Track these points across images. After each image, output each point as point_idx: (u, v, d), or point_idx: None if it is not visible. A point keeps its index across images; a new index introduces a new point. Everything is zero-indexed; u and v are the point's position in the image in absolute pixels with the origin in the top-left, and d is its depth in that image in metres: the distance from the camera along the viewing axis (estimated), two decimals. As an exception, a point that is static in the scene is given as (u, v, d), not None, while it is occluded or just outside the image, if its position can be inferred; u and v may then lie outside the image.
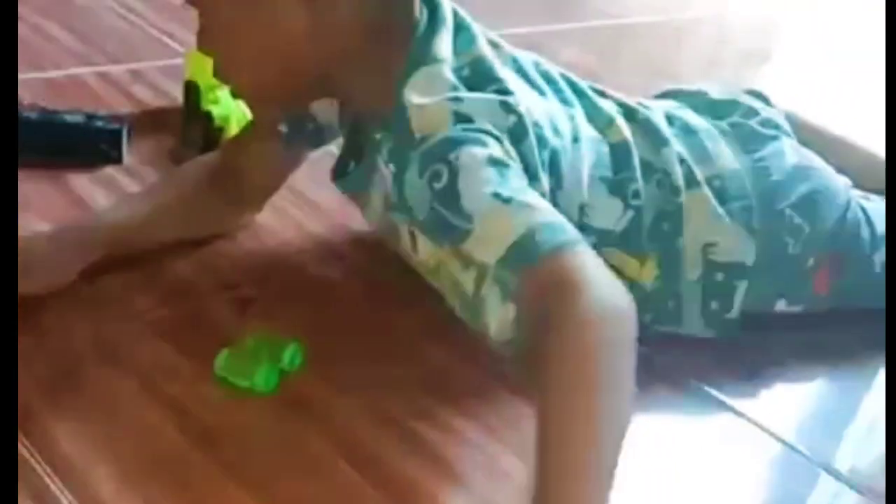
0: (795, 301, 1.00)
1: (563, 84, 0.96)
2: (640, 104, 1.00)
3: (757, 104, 1.07)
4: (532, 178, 0.83)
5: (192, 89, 1.17)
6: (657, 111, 1.00)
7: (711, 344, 0.97)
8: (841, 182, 1.03)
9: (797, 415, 0.94)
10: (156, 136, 1.19)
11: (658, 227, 0.93)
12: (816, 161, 1.04)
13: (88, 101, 1.23)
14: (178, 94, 1.21)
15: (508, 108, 0.84)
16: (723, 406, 0.92)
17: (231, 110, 1.15)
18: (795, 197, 0.99)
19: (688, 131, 1.00)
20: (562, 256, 0.73)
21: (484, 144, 0.80)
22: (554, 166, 0.87)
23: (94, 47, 1.39)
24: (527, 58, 0.95)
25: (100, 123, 1.14)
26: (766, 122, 1.05)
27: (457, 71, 0.85)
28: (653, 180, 0.94)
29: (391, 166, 0.85)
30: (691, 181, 0.95)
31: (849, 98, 1.62)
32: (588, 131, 0.93)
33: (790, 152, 1.03)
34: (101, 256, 0.91)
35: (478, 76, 0.86)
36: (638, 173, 0.93)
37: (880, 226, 1.02)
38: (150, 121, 1.23)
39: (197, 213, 1.00)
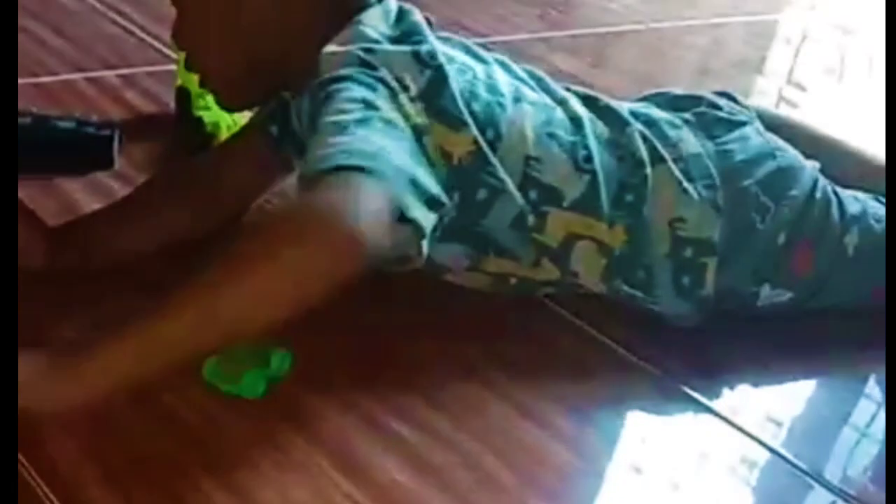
0: (778, 284, 0.99)
1: (521, 72, 1.00)
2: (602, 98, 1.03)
3: (721, 101, 1.07)
4: (455, 128, 0.87)
5: (183, 95, 1.17)
6: (621, 104, 1.03)
7: (693, 344, 0.97)
8: (808, 164, 1.03)
9: (786, 421, 0.94)
10: (147, 142, 1.19)
11: (622, 197, 0.95)
12: (782, 144, 1.04)
13: (80, 107, 1.23)
14: (169, 100, 1.21)
15: (421, 60, 0.87)
16: (705, 409, 0.91)
17: (221, 116, 1.14)
18: (760, 174, 0.99)
19: (649, 122, 1.01)
20: (328, 176, 0.74)
21: (372, 89, 0.83)
22: (492, 119, 0.90)
23: (85, 53, 1.39)
24: (487, 53, 0.99)
25: (91, 129, 1.13)
26: (731, 113, 1.05)
27: (384, 33, 0.90)
28: (614, 155, 0.96)
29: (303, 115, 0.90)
30: (655, 158, 0.97)
31: (843, 106, 1.62)
32: (537, 97, 0.96)
33: (754, 136, 1.03)
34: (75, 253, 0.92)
35: (404, 35, 0.90)
36: (590, 141, 0.95)
37: (851, 207, 1.01)
38: (141, 126, 1.22)
39: (167, 218, 1.00)
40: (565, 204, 0.93)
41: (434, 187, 0.81)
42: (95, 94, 1.29)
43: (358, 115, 0.80)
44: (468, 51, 0.97)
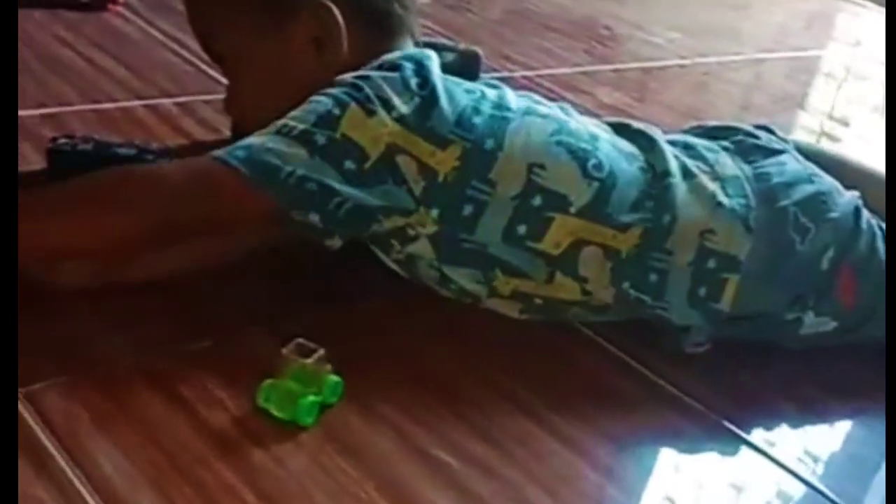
0: (823, 312, 0.98)
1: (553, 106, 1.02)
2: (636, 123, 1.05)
3: (760, 132, 1.08)
4: (441, 145, 0.91)
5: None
6: (655, 130, 1.03)
7: (731, 375, 0.97)
8: (848, 193, 1.03)
9: (824, 455, 0.93)
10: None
11: (641, 203, 0.95)
12: (820, 171, 1.04)
13: (140, 134, 1.25)
14: (226, 129, 1.23)
15: (410, 84, 0.92)
16: (742, 441, 0.91)
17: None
18: (798, 196, 0.99)
19: (687, 146, 1.02)
20: (215, 161, 0.88)
21: (341, 106, 0.90)
22: (493, 130, 0.93)
23: (145, 80, 1.41)
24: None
25: (150, 156, 1.15)
26: (768, 142, 1.06)
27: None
28: (634, 165, 0.97)
29: None
30: (687, 173, 0.98)
31: (884, 142, 1.61)
32: (549, 111, 0.99)
33: (792, 162, 1.03)
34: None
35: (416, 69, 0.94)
36: (604, 149, 0.97)
37: None
38: (198, 153, 1.23)
39: (212, 243, 0.99)
40: (573, 210, 0.94)
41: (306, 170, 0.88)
42: (154, 122, 1.31)
43: (300, 126, 0.89)
44: (487, 84, 1.00)
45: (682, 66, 2.01)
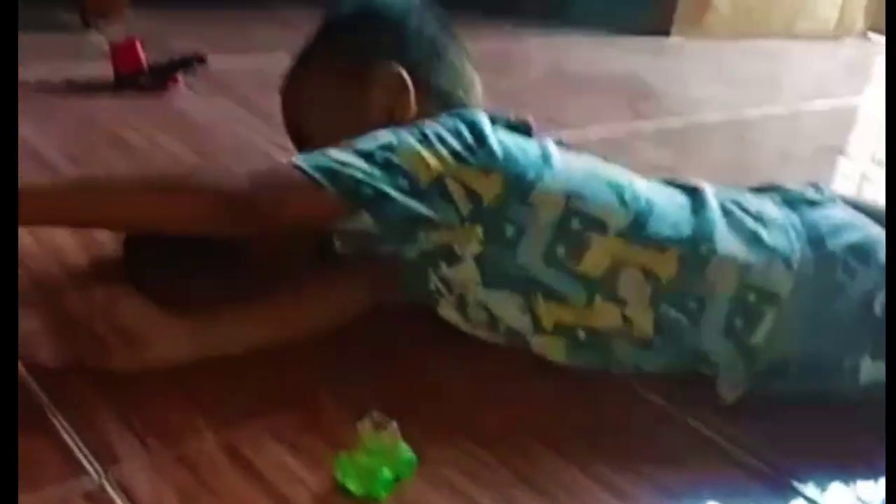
0: (880, 355, 0.97)
1: None
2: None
3: (807, 188, 1.09)
4: (486, 171, 0.97)
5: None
6: (701, 181, 1.07)
7: (786, 428, 0.97)
8: None
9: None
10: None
11: (679, 230, 0.98)
12: (867, 220, 1.05)
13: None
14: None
15: (461, 129, 0.99)
16: (798, 494, 0.90)
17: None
18: (845, 240, 0.99)
19: (731, 196, 1.04)
20: (281, 164, 0.96)
21: (398, 136, 0.97)
22: (535, 163, 0.99)
23: (210, 161, 1.45)
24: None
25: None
26: (816, 195, 1.07)
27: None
28: (672, 200, 1.02)
29: None
30: (727, 210, 1.01)
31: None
32: (588, 156, 1.06)
33: (840, 212, 1.05)
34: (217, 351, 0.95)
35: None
36: (640, 185, 1.02)
37: None
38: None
39: (309, 319, 1.01)
40: (610, 232, 0.97)
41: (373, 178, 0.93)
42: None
43: (362, 146, 0.95)
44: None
45: (722, 120, 2.03)
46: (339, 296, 1.02)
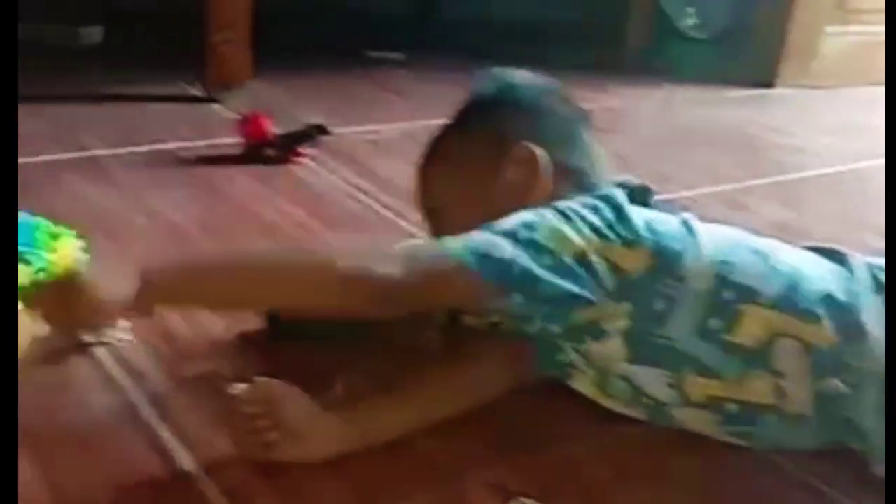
0: None
1: None
2: None
3: None
4: (630, 246, 0.96)
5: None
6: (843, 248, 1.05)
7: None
8: None
9: None
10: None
11: (832, 298, 0.95)
12: None
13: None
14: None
15: (599, 206, 0.98)
16: None
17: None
18: None
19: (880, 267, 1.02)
20: (428, 247, 1.00)
21: (541, 216, 0.97)
22: (677, 236, 0.98)
23: (335, 229, 1.47)
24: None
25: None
26: None
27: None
28: (824, 267, 1.00)
29: None
30: (881, 286, 0.97)
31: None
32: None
33: None
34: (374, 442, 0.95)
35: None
36: (785, 251, 1.01)
37: None
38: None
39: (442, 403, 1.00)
40: (762, 301, 0.95)
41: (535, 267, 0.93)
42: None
43: (504, 226, 0.95)
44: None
45: (838, 172, 2.00)
46: (484, 376, 1.02)
